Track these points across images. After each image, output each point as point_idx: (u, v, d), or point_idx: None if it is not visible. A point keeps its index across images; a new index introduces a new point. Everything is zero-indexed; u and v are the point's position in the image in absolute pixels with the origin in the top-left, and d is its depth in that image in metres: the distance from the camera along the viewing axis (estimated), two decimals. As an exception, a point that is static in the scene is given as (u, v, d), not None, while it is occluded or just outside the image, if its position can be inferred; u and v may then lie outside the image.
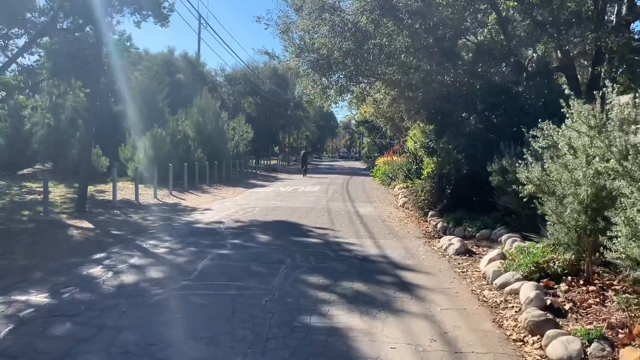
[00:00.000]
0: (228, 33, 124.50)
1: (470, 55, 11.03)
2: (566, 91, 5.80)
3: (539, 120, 6.72)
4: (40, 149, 26.36)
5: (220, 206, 15.28)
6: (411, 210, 13.95)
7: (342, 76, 15.80)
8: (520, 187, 6.42)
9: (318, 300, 5.73)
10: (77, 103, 24.21)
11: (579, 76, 13.23)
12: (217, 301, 5.63)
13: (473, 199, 11.52)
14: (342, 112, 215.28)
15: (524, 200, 6.58)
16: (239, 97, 51.25)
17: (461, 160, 9.32)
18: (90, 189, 19.29)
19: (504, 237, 8.58)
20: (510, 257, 6.85)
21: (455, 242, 8.69)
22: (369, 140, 60.17)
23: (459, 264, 7.73)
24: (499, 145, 9.28)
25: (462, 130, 9.64)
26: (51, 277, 6.67)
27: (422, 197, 12.74)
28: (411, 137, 21.61)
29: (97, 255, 8.01)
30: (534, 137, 6.90)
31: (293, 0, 14.72)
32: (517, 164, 7.11)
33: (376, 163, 33.54)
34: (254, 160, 44.24)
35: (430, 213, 12.06)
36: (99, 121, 30.14)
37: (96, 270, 7.03)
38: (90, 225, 11.28)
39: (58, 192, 17.72)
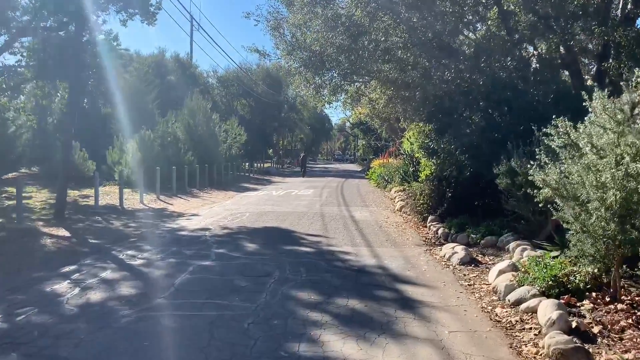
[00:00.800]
0: (220, 34, 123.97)
1: (472, 50, 10.37)
2: (588, 82, 5.10)
3: (550, 117, 6.03)
4: (26, 152, 25.54)
5: (209, 211, 14.54)
6: (409, 215, 13.26)
7: (336, 74, 15.13)
8: (534, 191, 5.72)
9: (308, 321, 5.01)
10: (63, 105, 23.44)
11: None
12: (192, 324, 4.90)
13: (475, 203, 10.83)
14: (337, 113, 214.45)
15: (539, 205, 5.88)
16: (231, 99, 50.51)
17: (464, 161, 8.65)
18: (75, 193, 18.58)
19: (512, 245, 7.90)
20: (523, 269, 6.16)
21: (459, 250, 7.99)
22: (363, 143, 59.54)
23: (464, 275, 7.03)
24: (505, 145, 8.61)
25: (465, 129, 8.97)
26: (9, 295, 5.92)
27: (421, 201, 12.04)
28: (407, 139, 20.96)
29: (67, 268, 7.27)
30: (548, 135, 6.22)
31: (284, -6, 14.02)
32: (528, 165, 6.42)
33: (371, 165, 32.86)
34: (247, 164, 43.49)
35: (430, 218, 11.37)
36: (86, 123, 29.44)
37: (62, 287, 6.28)
38: (67, 234, 10.52)
39: (40, 197, 16.94)
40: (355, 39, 12.29)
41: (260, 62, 51.02)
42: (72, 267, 7.34)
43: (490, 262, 7.71)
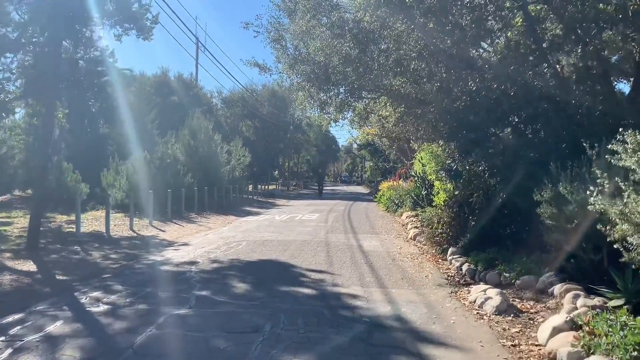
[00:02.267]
0: (226, 55, 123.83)
1: (498, 57, 9.04)
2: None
3: (600, 133, 4.67)
4: (19, 174, 24.41)
5: (201, 240, 13.13)
6: (425, 245, 11.80)
7: (342, 90, 13.84)
8: (607, 227, 4.30)
9: (303, 412, 3.58)
10: (56, 125, 22.30)
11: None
12: (139, 418, 3.48)
13: (504, 234, 9.40)
14: (343, 133, 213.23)
15: (610, 240, 4.46)
16: (236, 120, 49.50)
17: (494, 185, 7.26)
18: (62, 218, 17.27)
19: (558, 289, 6.43)
20: (587, 328, 4.68)
21: (493, 294, 6.53)
22: (371, 164, 58.15)
23: (504, 330, 5.56)
24: (543, 166, 7.22)
25: (494, 148, 7.61)
26: None
27: (439, 230, 10.60)
28: (419, 160, 19.60)
29: (11, 318, 5.87)
30: (613, 153, 4.83)
31: (285, 3, 12.82)
32: (587, 192, 5.01)
33: (380, 188, 31.44)
34: (251, 186, 42.22)
35: (450, 250, 9.91)
36: (82, 144, 28.35)
37: (-10, 347, 4.89)
38: (33, 268, 9.17)
39: (23, 223, 15.60)
40: (363, 48, 11.02)
41: (266, 83, 50.20)
42: (18, 316, 5.95)
43: (532, 311, 6.24)
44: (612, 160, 4.73)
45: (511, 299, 6.71)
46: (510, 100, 7.85)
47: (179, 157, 26.20)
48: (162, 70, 40.00)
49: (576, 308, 5.60)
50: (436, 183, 14.55)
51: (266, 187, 45.59)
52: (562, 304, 6.15)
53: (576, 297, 5.87)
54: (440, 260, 9.89)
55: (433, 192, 15.77)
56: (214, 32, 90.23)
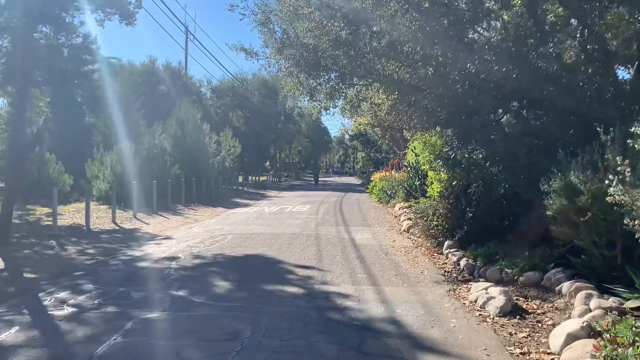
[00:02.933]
0: (215, 44, 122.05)
1: (499, 37, 8.44)
2: None
3: (612, 117, 4.12)
4: (1, 165, 23.66)
5: (186, 233, 12.51)
6: (419, 237, 11.27)
7: (333, 76, 13.19)
8: (630, 220, 3.74)
9: None
10: (36, 114, 21.52)
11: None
12: None
13: (504, 226, 8.88)
14: (335, 123, 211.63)
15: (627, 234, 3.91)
16: (226, 110, 48.65)
17: (496, 175, 6.70)
18: (42, 211, 16.56)
19: (566, 287, 5.90)
20: (608, 335, 4.14)
21: (496, 293, 5.99)
22: (363, 155, 57.59)
23: (510, 335, 5.01)
24: (549, 153, 6.67)
25: (495, 134, 7.04)
26: None
27: (435, 222, 10.06)
28: (412, 150, 19.05)
29: (-38, 323, 5.26)
30: (634, 136, 4.28)
31: (272, -18, 12.13)
32: (606, 182, 4.45)
33: (372, 179, 30.89)
34: (242, 177, 41.51)
35: (446, 243, 9.37)
36: (66, 134, 27.53)
37: None
38: (1, 265, 8.53)
39: (-1, 216, 14.91)
40: (355, 29, 10.39)
41: (256, 73, 49.33)
42: (-30, 321, 5.33)
43: (539, 312, 5.71)
44: (636, 145, 4.17)
45: (515, 298, 6.18)
46: (512, 83, 7.28)
47: (166, 147, 25.50)
48: (150, 59, 39.08)
49: (589, 310, 5.07)
50: (430, 173, 14.01)
51: (257, 178, 44.88)
52: (572, 304, 5.62)
53: (588, 297, 5.33)
54: (435, 254, 9.35)
55: (426, 183, 15.24)
56: (203, 21, 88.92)
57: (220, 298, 6.28)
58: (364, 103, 16.97)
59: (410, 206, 16.04)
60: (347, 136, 71.55)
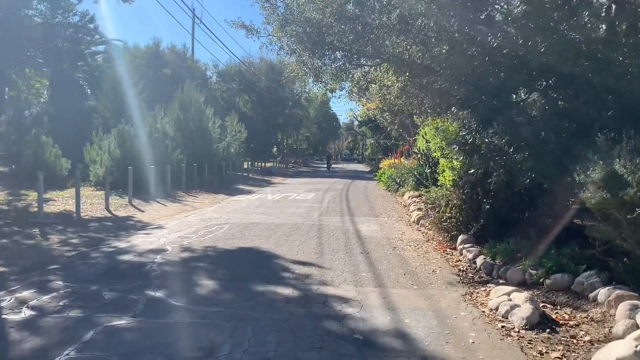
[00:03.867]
0: (222, 28, 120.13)
1: (523, 7, 7.46)
2: None
3: None
4: (1, 148, 23.11)
5: (180, 222, 11.74)
6: (430, 230, 10.42)
7: (339, 55, 12.28)
8: None
9: None
10: (33, 95, 20.81)
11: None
12: None
13: (525, 220, 8.00)
14: (343, 107, 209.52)
15: None
16: (232, 94, 47.77)
17: (521, 162, 5.81)
18: (35, 196, 15.87)
19: (604, 294, 5.05)
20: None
21: (520, 300, 5.14)
22: (372, 142, 56.57)
23: (541, 354, 4.17)
24: (583, 138, 5.77)
25: (522, 116, 6.14)
26: None
27: (447, 214, 9.20)
28: (422, 136, 18.16)
29: None
30: None
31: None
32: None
33: (380, 166, 29.97)
34: (248, 163, 40.76)
35: (460, 238, 8.51)
36: (66, 117, 26.82)
37: None
38: (-29, 256, 7.81)
39: (-12, 201, 14.32)
40: (362, 2, 9.47)
41: (263, 56, 48.33)
42: None
43: (572, 323, 4.86)
44: None
45: (542, 305, 5.33)
46: (539, 58, 6.36)
47: (168, 131, 24.73)
48: (155, 41, 38.18)
49: (637, 326, 4.22)
50: (441, 160, 13.18)
51: (263, 164, 44.09)
52: (611, 316, 4.78)
53: (634, 309, 4.48)
54: (448, 250, 8.50)
55: (438, 171, 14.37)
56: (209, 3, 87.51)
57: (202, 301, 5.48)
58: (373, 85, 16.05)
59: (420, 195, 15.20)
60: (356, 122, 70.50)
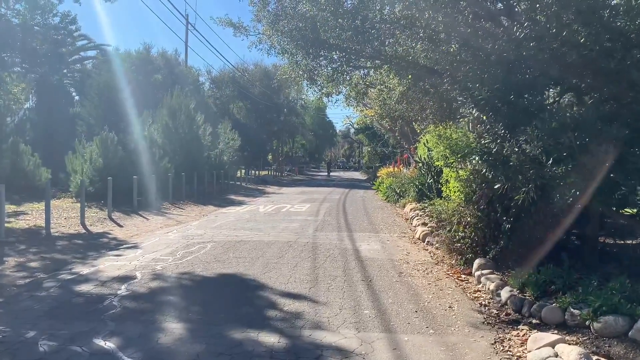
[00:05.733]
0: (215, 34, 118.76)
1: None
2: None
3: None
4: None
5: (158, 240, 10.53)
6: (438, 249, 9.26)
7: (336, 56, 11.16)
8: None
9: None
10: (12, 101, 19.59)
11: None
12: None
13: (556, 242, 6.86)
14: (337, 111, 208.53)
15: None
16: (226, 101, 46.59)
17: (561, 176, 4.68)
18: (9, 209, 14.61)
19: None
20: None
21: (572, 357, 3.97)
22: (369, 149, 55.56)
23: None
24: (633, 146, 4.65)
25: (560, 120, 5.02)
26: None
27: (461, 234, 8.04)
28: (424, 144, 17.08)
29: None
30: None
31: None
32: None
33: (378, 174, 28.87)
34: (242, 171, 39.55)
35: (477, 262, 7.33)
36: (49, 125, 25.60)
37: None
38: None
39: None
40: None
41: (257, 62, 47.30)
42: None
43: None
44: None
45: (594, 358, 4.17)
46: (578, 50, 5.25)
47: (156, 139, 23.55)
48: (145, 46, 37.00)
49: None
50: (445, 170, 12.12)
51: (258, 172, 42.87)
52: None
53: None
54: (463, 277, 7.32)
55: (441, 181, 13.29)
56: (203, 8, 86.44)
57: (161, 356, 4.28)
58: (372, 90, 14.96)
59: (423, 208, 14.06)
60: (352, 130, 69.54)
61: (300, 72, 12.03)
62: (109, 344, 4.51)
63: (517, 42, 5.84)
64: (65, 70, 29.18)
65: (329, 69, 11.45)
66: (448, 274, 7.51)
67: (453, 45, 8.59)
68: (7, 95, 17.70)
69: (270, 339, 4.68)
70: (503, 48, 6.06)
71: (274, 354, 4.31)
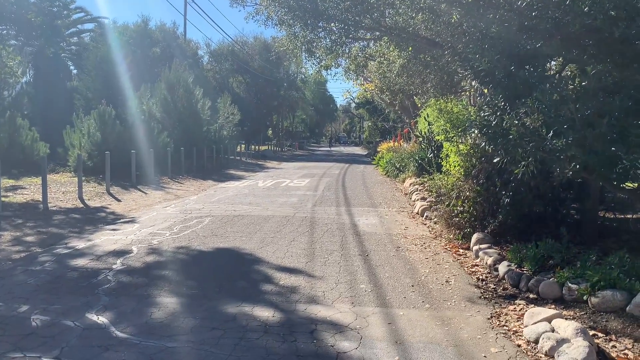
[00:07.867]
0: (214, 6, 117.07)
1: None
2: None
3: None
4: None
5: (156, 214, 10.48)
6: (437, 223, 9.21)
7: (335, 28, 10.92)
8: None
9: None
10: (7, 75, 19.34)
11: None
12: None
13: (555, 216, 6.80)
14: (338, 84, 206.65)
15: None
16: (226, 75, 46.13)
17: (561, 149, 4.58)
18: (6, 184, 14.57)
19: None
20: None
21: (568, 332, 3.92)
22: (369, 124, 55.27)
23: (614, 423, 2.97)
24: (636, 119, 4.53)
25: (561, 91, 4.90)
26: None
27: (459, 208, 7.96)
28: (424, 118, 16.90)
29: None
30: None
31: None
32: None
33: (378, 149, 28.71)
34: (243, 146, 39.41)
35: (475, 236, 7.27)
36: (47, 99, 25.40)
37: None
38: None
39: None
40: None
41: (257, 35, 46.71)
42: None
43: (640, 365, 3.66)
44: None
45: (591, 333, 4.13)
46: (582, 19, 5.09)
47: (155, 113, 23.39)
48: (143, 19, 36.43)
49: None
50: (445, 144, 11.99)
51: (258, 147, 42.71)
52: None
53: None
54: (461, 251, 7.28)
55: (441, 155, 13.17)
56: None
57: (155, 330, 4.24)
58: (371, 62, 14.72)
59: (422, 183, 13.98)
60: (352, 104, 69.05)
61: (299, 44, 11.80)
62: (101, 319, 4.47)
63: (518, 12, 5.66)
64: (62, 44, 28.79)
65: (328, 40, 11.21)
66: (446, 249, 7.47)
67: (454, 16, 8.39)
68: (3, 68, 17.44)
69: (265, 313, 4.64)
70: (504, 18, 5.88)
71: (267, 329, 4.27)
